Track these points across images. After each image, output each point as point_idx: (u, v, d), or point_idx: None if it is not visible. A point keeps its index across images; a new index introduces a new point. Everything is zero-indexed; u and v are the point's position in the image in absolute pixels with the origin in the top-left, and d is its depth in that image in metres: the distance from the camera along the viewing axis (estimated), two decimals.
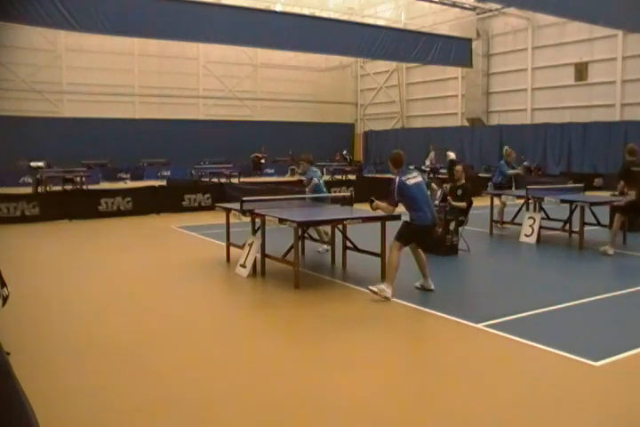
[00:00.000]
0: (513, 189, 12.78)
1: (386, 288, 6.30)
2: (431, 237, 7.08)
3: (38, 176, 19.20)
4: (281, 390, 4.02)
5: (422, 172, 6.55)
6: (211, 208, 12.97)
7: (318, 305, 6.21)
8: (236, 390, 4.04)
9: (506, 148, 13.21)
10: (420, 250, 6.71)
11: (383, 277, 6.69)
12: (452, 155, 24.98)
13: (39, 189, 17.55)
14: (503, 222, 11.59)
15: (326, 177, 24.72)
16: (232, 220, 8.55)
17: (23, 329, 5.38)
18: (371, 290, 6.34)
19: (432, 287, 6.71)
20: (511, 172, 12.48)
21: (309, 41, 21.63)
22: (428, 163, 26.79)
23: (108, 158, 28.44)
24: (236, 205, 8.06)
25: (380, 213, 6.91)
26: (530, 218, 10.20)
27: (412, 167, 6.53)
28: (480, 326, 5.35)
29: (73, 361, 4.60)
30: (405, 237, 6.56)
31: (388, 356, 4.75)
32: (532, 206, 10.71)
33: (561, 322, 5.54)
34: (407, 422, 3.61)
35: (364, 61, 36.71)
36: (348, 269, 7.99)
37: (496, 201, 11.65)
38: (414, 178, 6.61)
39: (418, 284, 6.80)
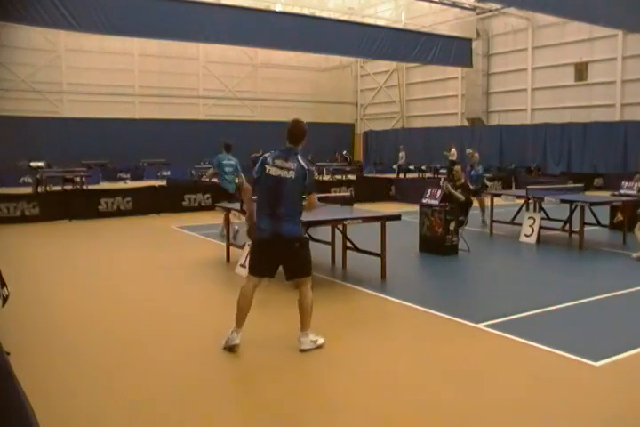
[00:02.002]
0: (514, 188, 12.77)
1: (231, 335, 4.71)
2: (285, 258, 4.81)
3: (38, 176, 19.22)
4: (281, 390, 4.02)
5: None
6: (211, 208, 12.97)
7: (318, 305, 6.17)
8: (236, 390, 4.04)
9: (468, 150, 13.05)
10: (301, 286, 4.84)
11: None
12: (453, 152, 25.04)
13: (39, 189, 17.56)
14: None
15: (327, 177, 24.78)
16: (232, 220, 8.54)
17: (23, 329, 5.38)
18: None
19: (304, 347, 4.73)
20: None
21: (309, 41, 21.63)
22: (401, 161, 27.14)
23: (108, 158, 28.45)
24: (236, 205, 8.06)
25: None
26: (530, 218, 10.20)
27: (300, 157, 4.83)
28: (480, 326, 5.35)
29: (73, 361, 4.60)
30: (250, 258, 4.99)
31: (387, 356, 4.74)
32: (531, 206, 10.72)
33: (561, 322, 5.54)
34: (407, 421, 3.60)
35: (364, 61, 36.72)
36: (348, 269, 7.99)
37: (497, 201, 11.66)
38: (281, 169, 4.73)
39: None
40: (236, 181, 10.84)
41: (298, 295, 4.87)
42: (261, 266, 4.81)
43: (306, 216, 7.19)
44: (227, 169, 10.80)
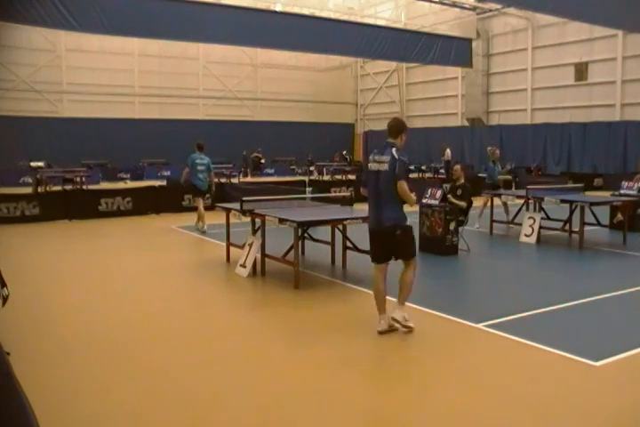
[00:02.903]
0: (513, 188, 12.78)
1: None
2: (390, 245, 5.23)
3: (38, 176, 19.18)
4: (280, 390, 4.02)
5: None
6: (211, 208, 12.96)
7: (318, 305, 6.21)
8: (235, 390, 4.04)
9: (489, 147, 13.10)
10: (406, 266, 5.30)
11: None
12: (447, 152, 24.99)
13: (39, 189, 17.55)
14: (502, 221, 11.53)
15: (327, 177, 24.77)
16: (232, 220, 8.55)
17: (23, 329, 5.38)
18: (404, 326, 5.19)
19: (395, 316, 5.21)
20: (500, 177, 12.37)
21: (309, 41, 21.63)
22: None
23: (107, 158, 28.44)
24: (236, 205, 8.06)
25: None
26: (530, 218, 10.20)
27: (394, 149, 5.08)
28: (480, 326, 5.35)
29: (73, 361, 4.60)
30: (370, 247, 5.41)
31: (387, 356, 4.74)
32: (531, 206, 10.71)
33: (561, 322, 5.54)
34: (407, 421, 3.60)
35: (364, 61, 36.71)
36: (347, 269, 7.99)
37: (497, 201, 11.64)
38: (378, 163, 5.15)
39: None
40: (208, 179, 11.75)
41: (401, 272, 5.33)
42: (377, 253, 5.29)
43: (305, 216, 7.23)
44: (199, 168, 11.55)
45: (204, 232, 11.28)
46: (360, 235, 7.96)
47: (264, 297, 6.87)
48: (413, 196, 5.21)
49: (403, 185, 5.03)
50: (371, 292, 6.62)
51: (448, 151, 25.26)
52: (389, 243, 5.19)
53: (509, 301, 6.35)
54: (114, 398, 3.92)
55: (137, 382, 4.18)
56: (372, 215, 5.28)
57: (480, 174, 18.60)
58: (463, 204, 9.30)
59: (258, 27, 20.12)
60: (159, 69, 32.16)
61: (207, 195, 11.82)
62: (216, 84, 34.26)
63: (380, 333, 5.14)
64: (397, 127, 5.26)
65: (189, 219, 13.33)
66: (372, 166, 5.20)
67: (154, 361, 4.60)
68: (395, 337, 5.22)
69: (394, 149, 5.11)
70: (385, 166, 5.07)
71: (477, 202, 11.36)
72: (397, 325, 5.17)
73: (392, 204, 5.13)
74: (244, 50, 32.38)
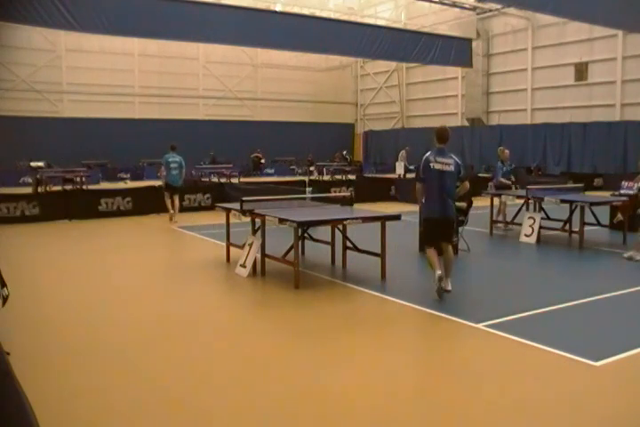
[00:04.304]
0: (513, 188, 12.74)
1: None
2: (444, 230, 6.44)
3: (38, 176, 19.18)
4: (281, 390, 4.02)
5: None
6: (211, 208, 12.98)
7: (318, 305, 6.21)
8: (235, 390, 4.04)
9: (500, 148, 13.14)
10: (447, 247, 6.44)
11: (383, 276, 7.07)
12: None
13: (39, 189, 17.55)
14: (507, 223, 11.51)
15: (327, 177, 24.73)
16: (232, 220, 8.55)
17: (23, 329, 5.38)
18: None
19: (448, 288, 6.32)
20: (502, 179, 12.19)
21: (309, 41, 21.64)
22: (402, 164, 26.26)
23: (108, 158, 28.43)
24: (236, 205, 8.06)
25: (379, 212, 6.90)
26: (530, 218, 10.20)
27: (453, 155, 6.33)
28: (480, 326, 5.34)
29: (73, 361, 4.60)
30: (424, 232, 6.76)
31: (387, 356, 4.74)
32: (531, 206, 10.71)
33: (561, 322, 5.54)
34: (407, 421, 3.60)
35: (364, 61, 36.72)
36: (347, 269, 7.99)
37: (496, 201, 11.63)
38: (442, 164, 6.26)
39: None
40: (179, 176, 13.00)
41: (443, 255, 6.41)
42: (433, 236, 6.48)
43: (305, 216, 7.24)
44: (172, 166, 12.86)
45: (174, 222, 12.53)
46: (360, 235, 7.97)
47: (264, 297, 6.87)
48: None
49: (467, 184, 6.62)
50: (370, 291, 6.68)
51: None
52: (444, 228, 6.38)
53: (509, 301, 6.35)
54: (113, 398, 3.92)
55: (137, 383, 4.18)
56: (436, 207, 6.33)
57: (480, 174, 18.59)
58: (463, 204, 9.29)
59: (258, 27, 20.13)
60: (159, 69, 32.16)
61: (177, 192, 13.03)
62: (216, 84, 34.27)
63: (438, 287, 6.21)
64: (447, 135, 6.41)
65: (189, 219, 13.36)
66: (436, 166, 6.24)
67: (154, 361, 4.60)
68: (394, 337, 5.23)
69: (452, 155, 6.38)
70: (450, 168, 6.25)
71: (479, 202, 11.36)
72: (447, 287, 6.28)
73: (452, 197, 6.38)
74: (244, 50, 32.39)
